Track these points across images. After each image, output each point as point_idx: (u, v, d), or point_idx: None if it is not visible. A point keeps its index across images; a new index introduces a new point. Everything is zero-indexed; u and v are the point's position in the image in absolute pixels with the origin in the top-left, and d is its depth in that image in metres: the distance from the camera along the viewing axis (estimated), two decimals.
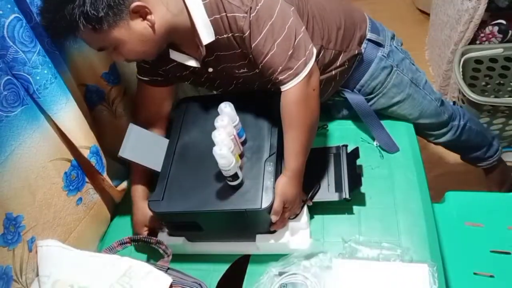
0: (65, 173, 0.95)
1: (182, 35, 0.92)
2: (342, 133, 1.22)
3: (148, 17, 0.85)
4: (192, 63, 0.99)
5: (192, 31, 0.90)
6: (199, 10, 0.87)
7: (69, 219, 0.99)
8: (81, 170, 1.01)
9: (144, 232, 1.05)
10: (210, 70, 1.01)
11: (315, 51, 0.89)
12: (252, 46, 0.87)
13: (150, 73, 1.07)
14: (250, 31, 0.86)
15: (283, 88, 0.88)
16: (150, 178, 1.11)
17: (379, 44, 1.12)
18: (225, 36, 0.90)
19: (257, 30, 0.85)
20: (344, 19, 1.06)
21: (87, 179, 1.03)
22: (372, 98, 1.16)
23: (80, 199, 1.01)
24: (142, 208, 1.05)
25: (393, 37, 1.16)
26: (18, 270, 0.85)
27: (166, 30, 0.89)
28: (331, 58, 1.05)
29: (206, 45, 0.91)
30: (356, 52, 1.08)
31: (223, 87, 1.11)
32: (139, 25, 0.85)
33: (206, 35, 0.89)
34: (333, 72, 1.07)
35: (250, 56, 0.90)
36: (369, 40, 1.11)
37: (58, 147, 0.93)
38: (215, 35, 0.90)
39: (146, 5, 0.84)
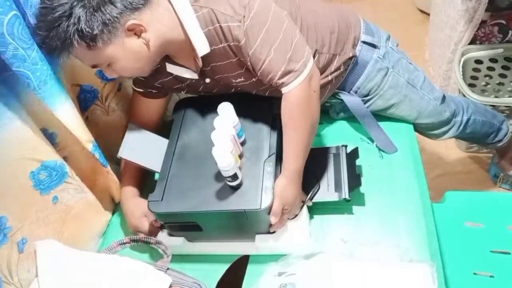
0: (32, 172, 0.93)
1: (177, 49, 0.93)
2: (342, 133, 1.22)
3: (143, 34, 0.85)
4: (190, 75, 0.99)
5: (187, 44, 0.90)
6: (193, 23, 0.87)
7: (52, 218, 0.98)
8: (60, 170, 0.98)
9: (144, 222, 1.04)
10: (207, 81, 1.01)
11: (311, 52, 0.89)
12: (249, 54, 0.86)
13: (146, 85, 1.08)
14: (246, 39, 0.85)
15: (285, 90, 0.87)
16: (140, 181, 1.11)
17: (374, 46, 1.11)
18: (220, 46, 0.89)
19: (253, 38, 0.85)
20: (337, 22, 1.06)
21: (69, 179, 1.00)
22: (369, 100, 1.16)
23: (56, 197, 0.99)
24: (137, 203, 1.05)
25: (388, 38, 1.16)
26: (6, 271, 0.85)
27: (161, 46, 0.89)
28: (326, 62, 1.04)
29: (202, 57, 0.91)
30: (351, 54, 1.08)
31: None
32: (133, 42, 0.85)
33: (202, 47, 0.89)
34: (329, 77, 1.07)
35: (248, 64, 0.89)
36: (364, 42, 1.11)
37: (24, 147, 0.90)
38: (211, 46, 0.89)
39: (140, 23, 0.83)
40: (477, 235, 1.14)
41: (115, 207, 1.21)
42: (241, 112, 0.96)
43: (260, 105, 1.04)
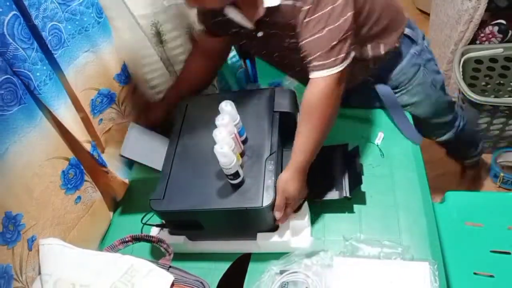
0: (63, 171, 0.94)
1: None
2: (342, 131, 1.22)
3: None
4: (245, 23, 0.98)
5: None
6: None
7: (68, 217, 0.99)
8: (80, 168, 1.01)
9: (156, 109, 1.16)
10: (260, 34, 1.00)
11: (352, 54, 0.89)
12: (305, 21, 0.86)
13: (207, 21, 1.09)
14: (312, 6, 0.84)
15: (312, 75, 0.87)
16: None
17: (413, 41, 1.13)
18: (289, 3, 0.88)
19: (316, 8, 0.84)
20: (396, 12, 1.07)
21: (86, 178, 1.03)
22: (396, 93, 1.17)
23: (79, 197, 1.01)
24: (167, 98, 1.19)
25: (423, 37, 1.18)
26: (18, 268, 0.85)
27: None
28: (374, 47, 1.06)
29: (268, 8, 0.89)
30: (396, 45, 1.09)
31: (265, 56, 1.15)
32: None
33: None
34: (371, 61, 1.08)
35: (298, 30, 0.88)
36: (406, 35, 1.11)
37: (56, 146, 0.92)
38: (281, 0, 0.88)
39: None
40: (477, 235, 1.14)
41: (117, 206, 1.21)
42: (242, 111, 0.97)
43: (261, 104, 1.04)
